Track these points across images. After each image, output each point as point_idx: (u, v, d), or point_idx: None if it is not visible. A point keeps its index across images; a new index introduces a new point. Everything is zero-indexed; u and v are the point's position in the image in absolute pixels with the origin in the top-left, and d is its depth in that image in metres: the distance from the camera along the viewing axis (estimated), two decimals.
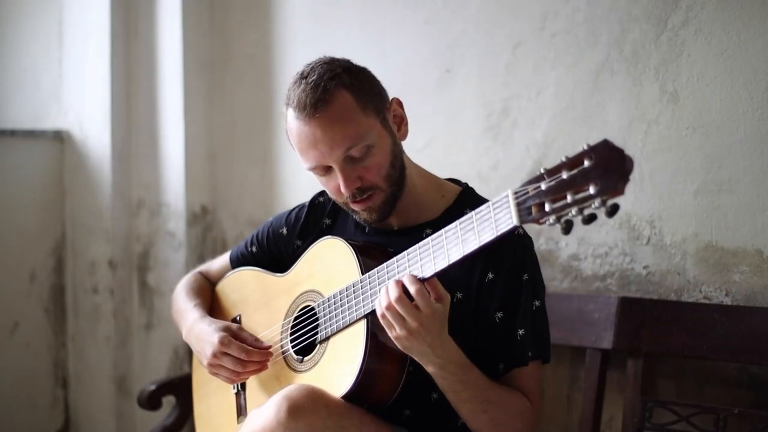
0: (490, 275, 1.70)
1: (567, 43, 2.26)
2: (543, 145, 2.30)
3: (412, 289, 1.54)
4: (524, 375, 1.70)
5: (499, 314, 1.70)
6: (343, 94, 1.68)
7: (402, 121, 1.79)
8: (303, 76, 1.71)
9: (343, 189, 1.70)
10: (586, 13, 2.22)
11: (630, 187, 2.14)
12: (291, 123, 1.72)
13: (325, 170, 1.73)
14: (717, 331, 1.94)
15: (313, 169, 1.73)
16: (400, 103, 1.80)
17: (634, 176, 2.14)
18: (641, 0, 2.14)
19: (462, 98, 2.46)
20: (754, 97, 1.97)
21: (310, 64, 1.74)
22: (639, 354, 2.05)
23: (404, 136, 1.80)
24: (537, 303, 1.73)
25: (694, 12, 2.05)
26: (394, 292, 1.55)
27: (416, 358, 1.60)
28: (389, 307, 1.54)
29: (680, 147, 2.08)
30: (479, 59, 2.42)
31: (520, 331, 1.69)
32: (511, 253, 1.71)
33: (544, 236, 2.33)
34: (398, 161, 1.75)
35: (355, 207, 1.75)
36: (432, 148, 2.52)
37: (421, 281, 1.55)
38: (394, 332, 1.55)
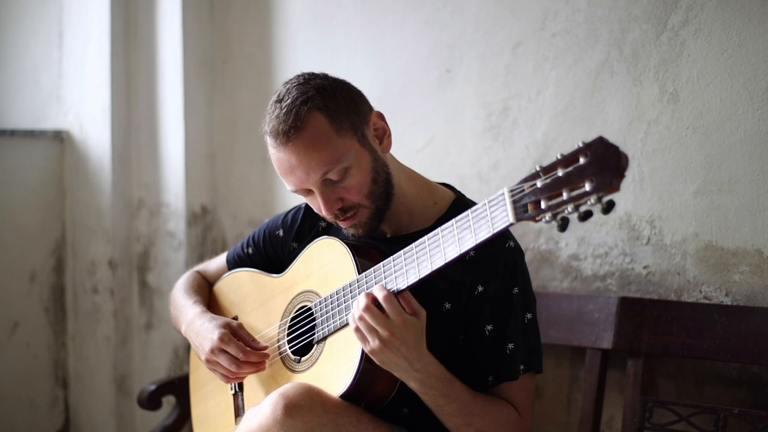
0: (480, 288, 1.70)
1: (567, 43, 2.26)
2: (543, 145, 2.30)
3: (379, 296, 1.55)
4: (514, 388, 1.70)
5: (489, 327, 1.70)
6: (317, 117, 1.67)
7: (384, 134, 1.77)
8: (278, 100, 1.70)
9: (324, 212, 1.71)
10: (586, 13, 2.22)
11: (630, 187, 2.16)
12: (269, 149, 1.73)
13: (307, 192, 1.73)
14: (717, 331, 1.94)
15: (295, 192, 1.74)
16: (381, 116, 1.78)
17: (634, 176, 2.15)
18: (641, 0, 2.14)
19: (462, 98, 2.46)
20: (754, 97, 1.97)
21: (286, 85, 1.73)
22: (639, 354, 2.05)
23: (387, 148, 1.78)
24: (528, 316, 1.73)
25: (694, 12, 2.05)
26: (362, 302, 1.56)
27: (396, 374, 1.60)
28: (360, 318, 1.55)
29: (680, 147, 2.08)
30: (479, 59, 2.42)
31: (510, 345, 1.69)
32: (501, 266, 1.70)
33: (544, 236, 2.33)
34: (381, 176, 1.74)
35: (341, 224, 1.77)
36: (432, 148, 2.52)
37: (392, 292, 1.56)
38: (368, 346, 1.56)
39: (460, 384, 1.63)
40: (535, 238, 2.33)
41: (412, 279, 1.57)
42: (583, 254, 2.26)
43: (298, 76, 1.74)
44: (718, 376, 2.06)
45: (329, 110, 1.68)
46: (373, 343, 1.55)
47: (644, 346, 2.04)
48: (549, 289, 2.31)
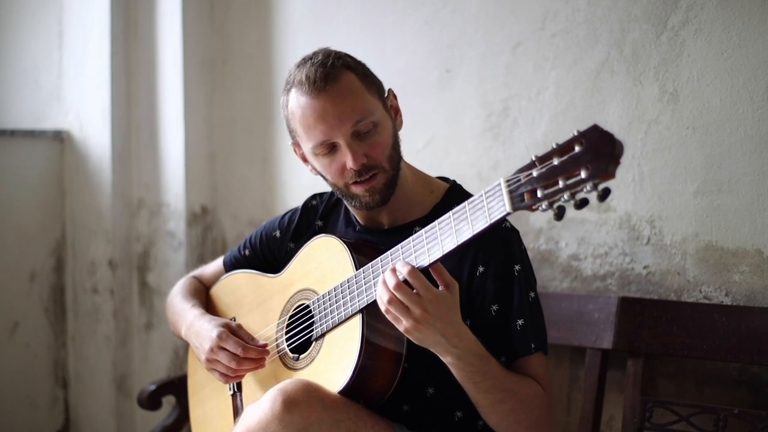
0: (481, 268, 1.71)
1: (567, 43, 2.26)
2: (543, 145, 2.30)
3: (404, 272, 1.53)
4: (531, 363, 1.70)
5: (495, 307, 1.70)
6: (349, 74, 1.73)
7: (397, 112, 1.83)
8: (308, 59, 1.75)
9: (350, 163, 1.70)
10: (586, 13, 2.22)
11: (630, 187, 2.16)
12: (298, 100, 1.73)
13: (330, 148, 1.73)
14: (717, 331, 1.94)
15: (318, 146, 1.73)
16: (394, 95, 1.84)
17: (634, 176, 2.15)
18: (641, 0, 2.14)
19: (462, 98, 2.46)
20: (754, 97, 1.97)
21: (311, 52, 1.78)
22: (639, 354, 2.05)
23: (399, 125, 1.83)
24: (532, 294, 1.73)
25: (694, 12, 2.05)
26: (391, 281, 1.54)
27: (433, 350, 1.58)
28: (391, 300, 1.53)
29: (680, 147, 2.08)
30: (479, 59, 2.42)
31: (519, 322, 1.69)
32: (499, 246, 1.71)
33: (544, 236, 2.33)
34: (397, 146, 1.79)
35: (357, 189, 1.75)
36: (432, 148, 2.52)
37: (415, 267, 1.54)
38: (402, 325, 1.54)
39: (495, 361, 1.62)
40: (535, 238, 2.33)
41: None
42: (583, 254, 2.26)
43: (321, 47, 1.80)
44: (718, 376, 2.06)
45: (359, 71, 1.76)
46: (407, 322, 1.52)
47: (644, 346, 2.04)
48: (549, 289, 2.31)
